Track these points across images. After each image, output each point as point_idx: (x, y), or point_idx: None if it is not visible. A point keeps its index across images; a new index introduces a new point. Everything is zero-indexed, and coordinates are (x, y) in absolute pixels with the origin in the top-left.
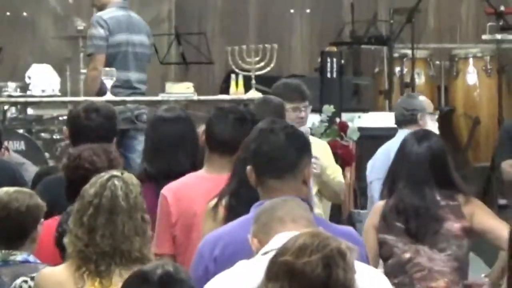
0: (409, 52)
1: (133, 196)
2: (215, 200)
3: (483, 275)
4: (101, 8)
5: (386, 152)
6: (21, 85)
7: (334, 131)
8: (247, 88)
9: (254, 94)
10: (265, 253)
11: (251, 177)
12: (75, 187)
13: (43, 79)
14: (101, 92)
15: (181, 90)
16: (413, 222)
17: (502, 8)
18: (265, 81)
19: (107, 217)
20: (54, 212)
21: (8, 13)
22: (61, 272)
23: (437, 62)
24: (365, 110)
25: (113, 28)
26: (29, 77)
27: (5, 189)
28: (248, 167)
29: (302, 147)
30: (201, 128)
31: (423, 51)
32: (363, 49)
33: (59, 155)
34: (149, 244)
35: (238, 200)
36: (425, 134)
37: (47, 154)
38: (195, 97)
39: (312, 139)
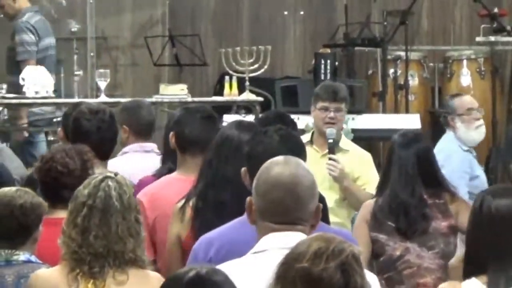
0: (402, 54)
1: (127, 197)
2: (183, 201)
3: None
4: (15, 15)
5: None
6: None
7: None
8: (241, 89)
9: (248, 96)
10: (256, 252)
11: (245, 179)
12: (48, 189)
13: (37, 81)
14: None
15: (175, 92)
16: (403, 221)
17: (495, 10)
18: (258, 83)
19: (100, 218)
20: None
21: (1, 15)
22: (55, 273)
23: (431, 64)
24: (358, 112)
25: (41, 32)
26: (23, 79)
27: (7, 188)
28: (243, 169)
29: (296, 149)
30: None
31: (417, 53)
32: (356, 51)
33: None
34: (142, 245)
35: (204, 201)
36: (413, 135)
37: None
38: (189, 99)
39: (352, 146)
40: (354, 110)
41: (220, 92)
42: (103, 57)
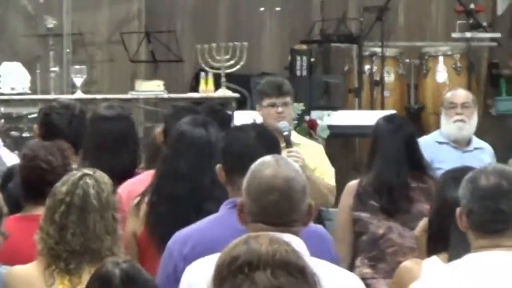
0: (378, 50)
1: (105, 195)
2: (139, 198)
3: None
4: None
5: None
6: None
7: (304, 129)
8: (217, 86)
9: (224, 92)
10: None
11: (221, 176)
12: (31, 187)
13: (13, 77)
14: None
15: (151, 88)
16: (387, 200)
17: (472, 6)
18: (235, 79)
19: (78, 215)
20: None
21: None
22: (31, 270)
23: (407, 60)
24: (334, 108)
25: None
26: None
27: None
28: (218, 166)
29: (271, 145)
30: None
31: (393, 49)
32: (333, 47)
33: None
34: (119, 243)
35: (158, 196)
36: (400, 120)
37: (16, 152)
38: (165, 95)
39: (302, 139)
40: (330, 106)
41: (196, 89)
42: (79, 53)
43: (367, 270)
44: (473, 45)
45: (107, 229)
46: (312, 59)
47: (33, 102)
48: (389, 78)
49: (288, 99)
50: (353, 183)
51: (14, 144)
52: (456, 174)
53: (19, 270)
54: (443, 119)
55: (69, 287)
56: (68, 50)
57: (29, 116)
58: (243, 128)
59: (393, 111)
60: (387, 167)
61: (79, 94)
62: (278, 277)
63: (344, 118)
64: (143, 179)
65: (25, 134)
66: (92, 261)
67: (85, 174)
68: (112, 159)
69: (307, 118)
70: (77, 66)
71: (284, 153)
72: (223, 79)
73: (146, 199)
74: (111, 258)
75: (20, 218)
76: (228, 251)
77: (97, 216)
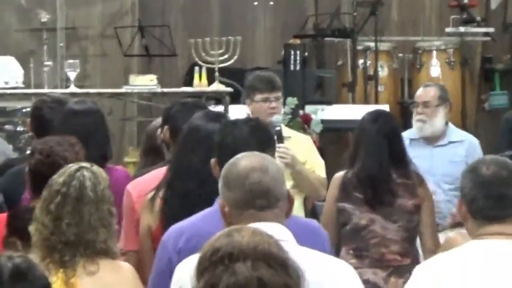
0: (372, 44)
1: (101, 188)
2: (153, 192)
3: None
4: None
5: None
6: None
7: (297, 123)
8: (211, 80)
9: (217, 86)
10: None
11: (215, 170)
12: (44, 181)
13: (6, 71)
14: None
15: (144, 83)
16: (370, 192)
17: (465, 0)
18: (228, 74)
19: (74, 206)
20: (17, 204)
21: None
22: None
23: (400, 55)
24: (328, 102)
25: None
26: None
27: None
28: (212, 160)
29: (265, 139)
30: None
31: (387, 44)
32: (326, 42)
33: (22, 147)
34: (114, 237)
35: (173, 191)
36: (383, 114)
37: (10, 146)
38: (159, 90)
39: (292, 132)
40: (324, 101)
41: (189, 83)
42: (73, 48)
43: (352, 261)
44: (467, 39)
45: (102, 222)
46: (306, 54)
47: (27, 96)
48: (383, 72)
49: (279, 93)
50: (339, 175)
51: (7, 138)
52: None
53: None
54: (413, 116)
55: (63, 280)
56: (61, 44)
57: (23, 110)
58: (237, 123)
59: (386, 106)
60: (370, 159)
61: (73, 88)
62: (258, 268)
63: (338, 113)
64: (153, 177)
65: (19, 128)
66: (86, 253)
67: (82, 167)
68: None
69: (301, 112)
70: (71, 61)
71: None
72: (216, 74)
73: (161, 193)
74: (6, 252)
75: (32, 209)
76: (211, 243)
77: (93, 208)
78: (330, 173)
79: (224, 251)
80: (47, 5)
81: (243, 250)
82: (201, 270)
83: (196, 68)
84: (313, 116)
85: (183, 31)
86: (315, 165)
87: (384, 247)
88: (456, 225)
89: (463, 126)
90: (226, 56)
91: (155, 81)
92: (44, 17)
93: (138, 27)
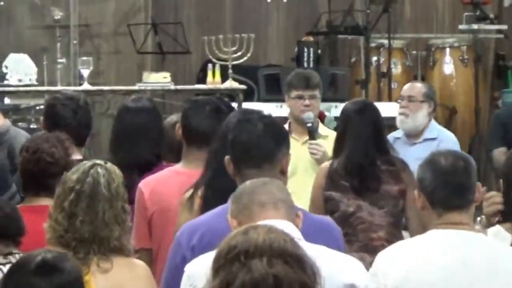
0: (385, 42)
1: (115, 185)
2: (191, 191)
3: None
4: None
5: None
6: None
7: None
8: (224, 77)
9: (231, 83)
10: None
11: (229, 167)
12: (34, 179)
13: (19, 69)
14: None
15: (158, 80)
16: (356, 179)
17: None
18: (241, 71)
19: (88, 203)
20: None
21: None
22: None
23: (414, 52)
24: (341, 99)
25: None
26: (6, 67)
27: None
28: (226, 157)
29: (280, 136)
30: (171, 119)
31: (400, 41)
32: (339, 39)
33: None
34: (128, 235)
35: (213, 190)
36: (367, 103)
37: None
38: (172, 87)
39: (330, 132)
40: (337, 98)
41: (203, 80)
42: (86, 45)
43: None
44: (480, 37)
45: (116, 219)
46: (319, 51)
47: (40, 94)
48: (396, 69)
49: (316, 92)
50: (325, 165)
51: None
52: None
53: None
54: None
55: None
56: (75, 41)
57: (37, 108)
58: (251, 119)
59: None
60: (356, 148)
61: (86, 86)
62: (274, 265)
63: None
64: (165, 175)
65: (33, 126)
66: (100, 250)
67: (96, 164)
68: (132, 151)
69: None
70: (84, 58)
71: (305, 147)
72: (230, 71)
73: (199, 192)
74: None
75: (22, 209)
76: (227, 241)
77: (106, 205)
78: None
79: (240, 248)
80: (60, 3)
81: (259, 247)
82: (217, 267)
83: (210, 66)
84: (326, 113)
85: (196, 28)
86: None
87: (372, 232)
88: None
89: (476, 124)
90: (239, 54)
91: (169, 79)
92: (57, 14)
93: (151, 24)
